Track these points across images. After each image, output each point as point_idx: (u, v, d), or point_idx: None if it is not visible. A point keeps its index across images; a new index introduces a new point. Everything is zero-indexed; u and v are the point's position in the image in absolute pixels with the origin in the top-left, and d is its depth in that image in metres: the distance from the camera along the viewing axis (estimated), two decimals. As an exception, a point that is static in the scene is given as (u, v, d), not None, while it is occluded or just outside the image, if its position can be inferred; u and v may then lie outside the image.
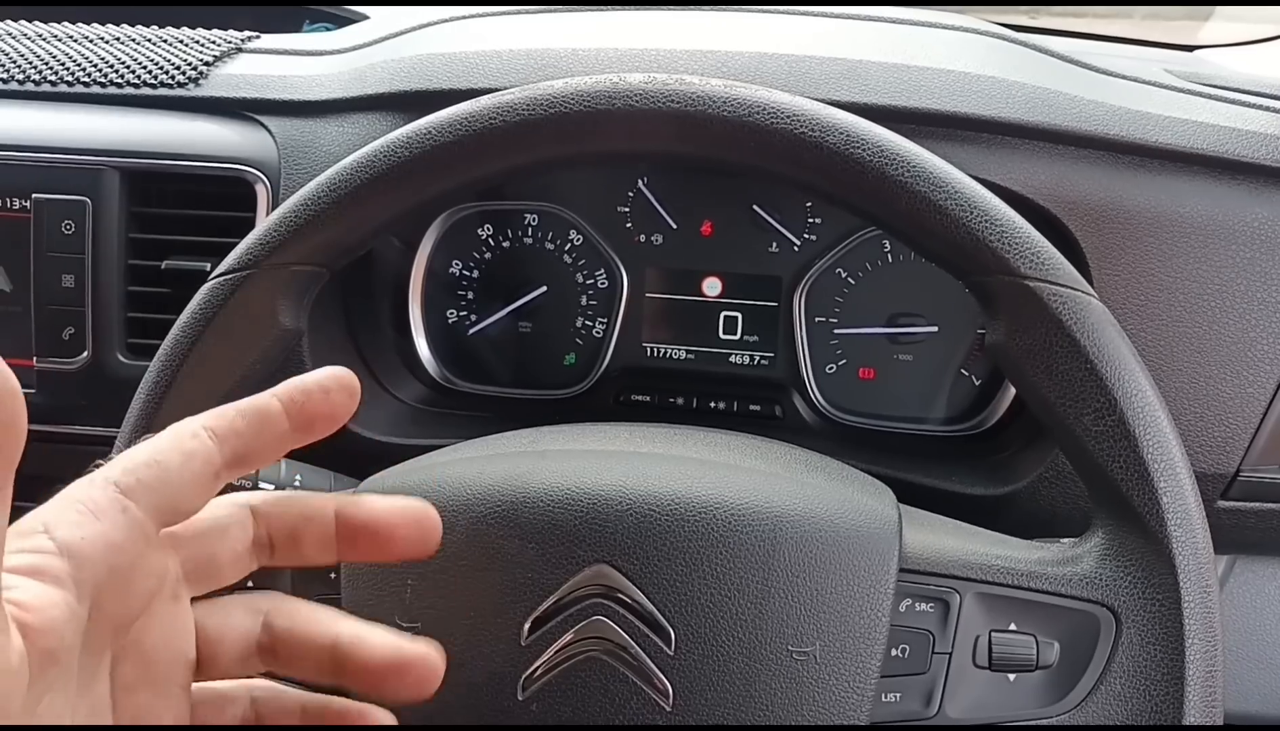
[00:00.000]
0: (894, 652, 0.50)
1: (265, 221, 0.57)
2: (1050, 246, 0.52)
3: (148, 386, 0.57)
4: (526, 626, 0.49)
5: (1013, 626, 0.50)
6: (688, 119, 0.54)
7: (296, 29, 1.07)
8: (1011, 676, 0.50)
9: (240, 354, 0.57)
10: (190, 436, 0.36)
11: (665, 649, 0.48)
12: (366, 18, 1.01)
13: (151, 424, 0.56)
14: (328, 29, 1.03)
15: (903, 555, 0.50)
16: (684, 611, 0.48)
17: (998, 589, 0.50)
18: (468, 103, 0.56)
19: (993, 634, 0.50)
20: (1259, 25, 1.14)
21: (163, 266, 0.80)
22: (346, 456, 0.60)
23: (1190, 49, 1.17)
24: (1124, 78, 0.80)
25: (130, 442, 0.54)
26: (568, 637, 0.48)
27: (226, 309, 0.56)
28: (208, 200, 0.80)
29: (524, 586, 0.49)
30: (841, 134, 0.53)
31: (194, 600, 0.38)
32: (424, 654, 0.38)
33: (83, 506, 0.33)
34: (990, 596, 0.50)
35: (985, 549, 0.52)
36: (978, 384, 0.87)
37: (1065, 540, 0.54)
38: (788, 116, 0.53)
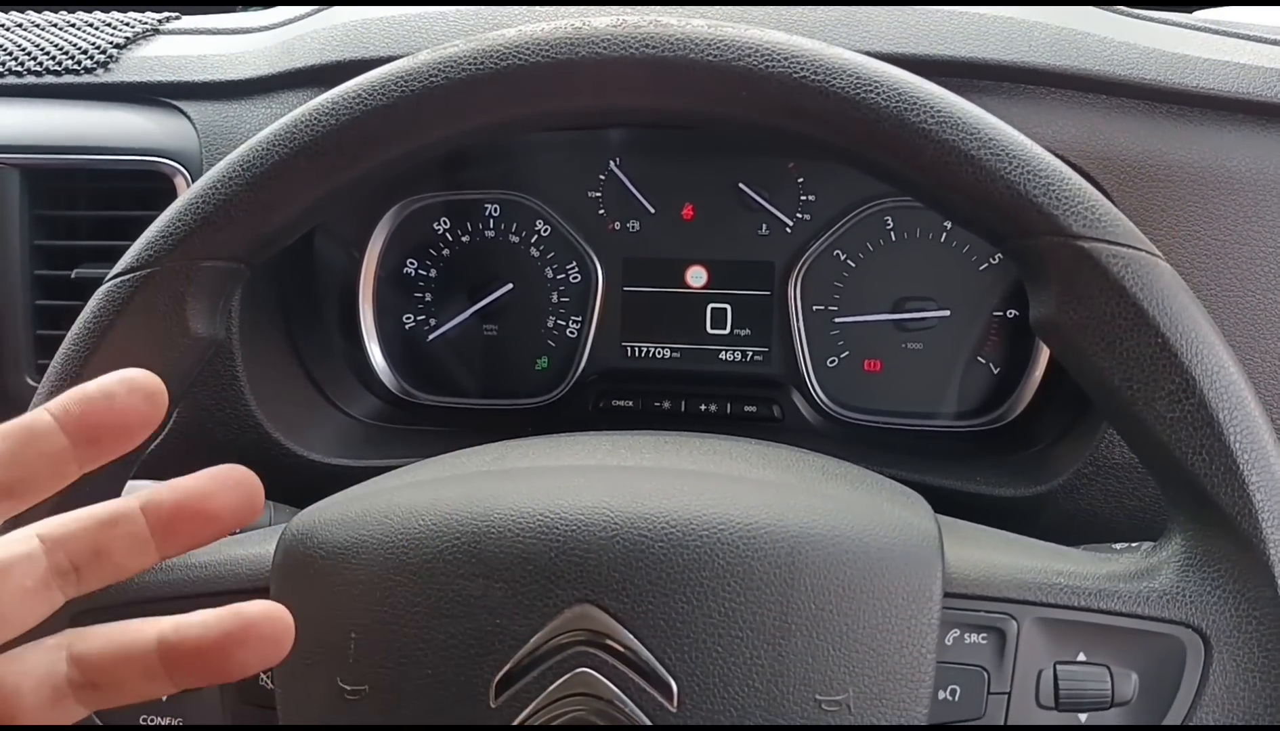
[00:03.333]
0: (942, 695, 0.46)
1: (167, 211, 0.52)
2: (1105, 200, 0.47)
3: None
4: (495, 684, 0.44)
5: (1081, 656, 0.47)
6: (666, 66, 0.49)
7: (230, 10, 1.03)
8: (1083, 716, 0.47)
9: (144, 367, 0.51)
10: None
11: (666, 705, 0.44)
12: None
13: None
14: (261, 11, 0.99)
15: (946, 577, 0.46)
16: (687, 658, 0.44)
17: (1061, 612, 0.47)
18: (403, 60, 0.51)
19: (1058, 666, 0.47)
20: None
21: (73, 275, 0.77)
22: (286, 483, 0.58)
23: (1189, 8, 1.15)
24: (1152, 20, 0.78)
25: None
26: (546, 696, 0.44)
27: (125, 315, 0.51)
28: (122, 198, 0.78)
29: (491, 636, 0.45)
30: (850, 76, 0.48)
31: None
32: (265, 608, 0.36)
33: None
34: (1053, 621, 0.47)
35: (1043, 564, 0.48)
36: (996, 372, 0.85)
37: (1130, 545, 0.52)
38: (785, 58, 0.48)
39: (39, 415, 0.35)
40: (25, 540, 0.36)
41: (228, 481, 0.37)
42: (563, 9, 0.80)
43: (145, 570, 0.39)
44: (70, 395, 0.35)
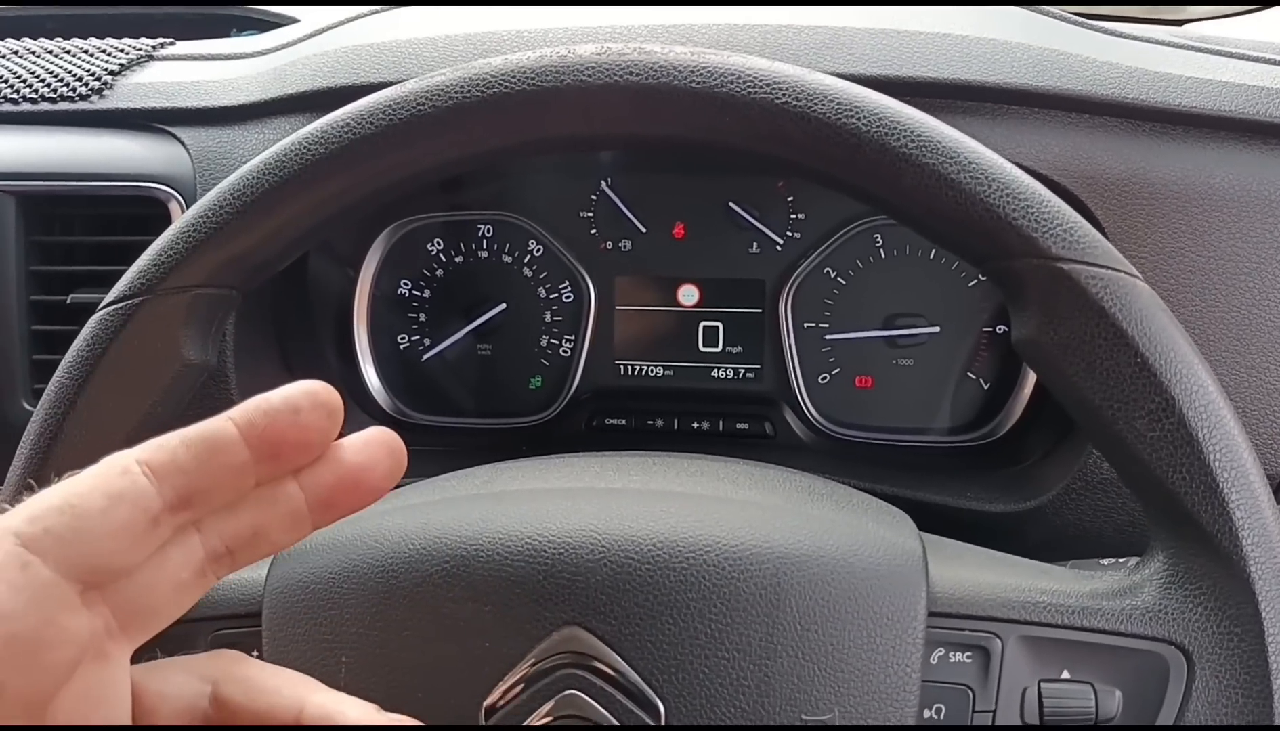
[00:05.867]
0: (927, 714, 0.46)
1: (159, 239, 0.52)
2: (1084, 222, 0.47)
3: (30, 439, 0.52)
4: (485, 706, 0.44)
5: (1065, 674, 0.46)
6: (650, 94, 0.49)
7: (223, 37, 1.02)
8: None
9: (137, 395, 0.52)
10: (119, 473, 0.31)
11: (653, 725, 0.44)
12: (297, 20, 0.96)
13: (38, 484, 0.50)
14: (255, 35, 0.98)
15: (931, 596, 0.46)
16: (674, 679, 0.44)
17: (1045, 630, 0.47)
18: (391, 89, 0.51)
19: (1042, 684, 0.46)
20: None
21: (68, 301, 0.76)
22: None
23: (1179, 23, 1.15)
24: (1135, 38, 0.77)
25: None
26: (535, 718, 0.44)
27: (118, 343, 0.51)
28: (116, 224, 0.78)
29: (480, 658, 0.45)
30: (831, 102, 0.48)
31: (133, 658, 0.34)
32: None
33: None
34: (1037, 639, 0.47)
35: (1027, 582, 0.48)
36: (986, 387, 0.85)
37: (1117, 561, 0.52)
38: (767, 85, 0.48)
39: (224, 426, 0.33)
40: (182, 530, 0.34)
41: (381, 450, 0.36)
42: (564, 9, 0.81)
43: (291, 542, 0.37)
44: (255, 407, 0.33)
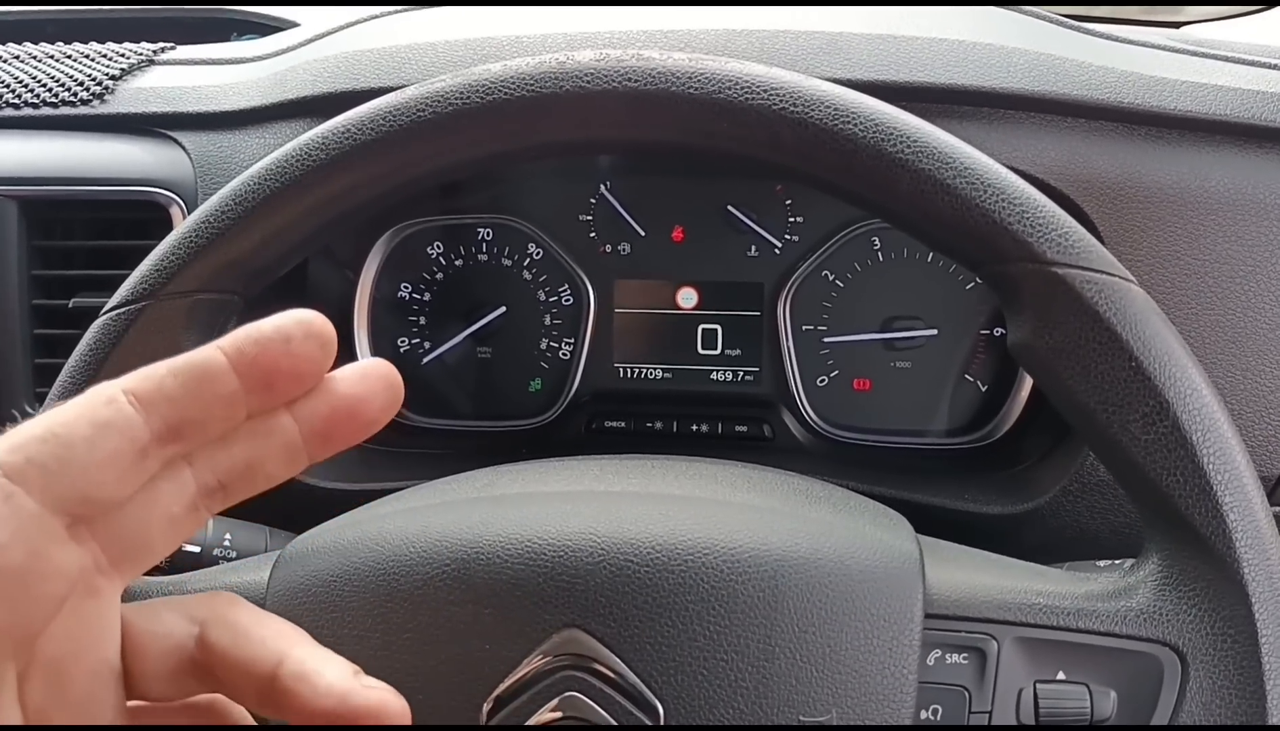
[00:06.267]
0: (924, 715, 0.46)
1: (161, 244, 0.53)
2: (1079, 227, 0.47)
3: None
4: (486, 708, 0.44)
5: (1061, 675, 0.46)
6: (647, 99, 0.49)
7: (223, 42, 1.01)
8: None
9: None
10: (104, 403, 0.30)
11: (652, 726, 0.44)
12: (297, 25, 0.96)
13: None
14: (256, 40, 0.98)
15: (928, 598, 0.46)
16: (672, 680, 0.44)
17: (1040, 631, 0.46)
18: (391, 95, 0.52)
19: (1038, 685, 0.46)
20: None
21: (70, 305, 0.76)
22: (283, 507, 0.56)
23: (1177, 25, 1.15)
24: (1131, 42, 0.77)
25: None
26: (535, 719, 0.44)
27: (121, 348, 0.51)
28: (118, 228, 0.77)
29: (481, 660, 0.45)
30: (828, 107, 0.48)
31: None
32: (379, 701, 0.33)
33: None
34: (1033, 641, 0.46)
35: (1023, 584, 0.48)
36: (984, 390, 0.84)
37: (1113, 563, 0.52)
38: (764, 91, 0.49)
39: (212, 354, 0.32)
40: (172, 463, 0.33)
41: (378, 382, 0.35)
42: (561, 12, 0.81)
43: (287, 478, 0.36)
44: (245, 335, 0.32)
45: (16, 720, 0.30)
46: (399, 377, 0.35)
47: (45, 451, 0.29)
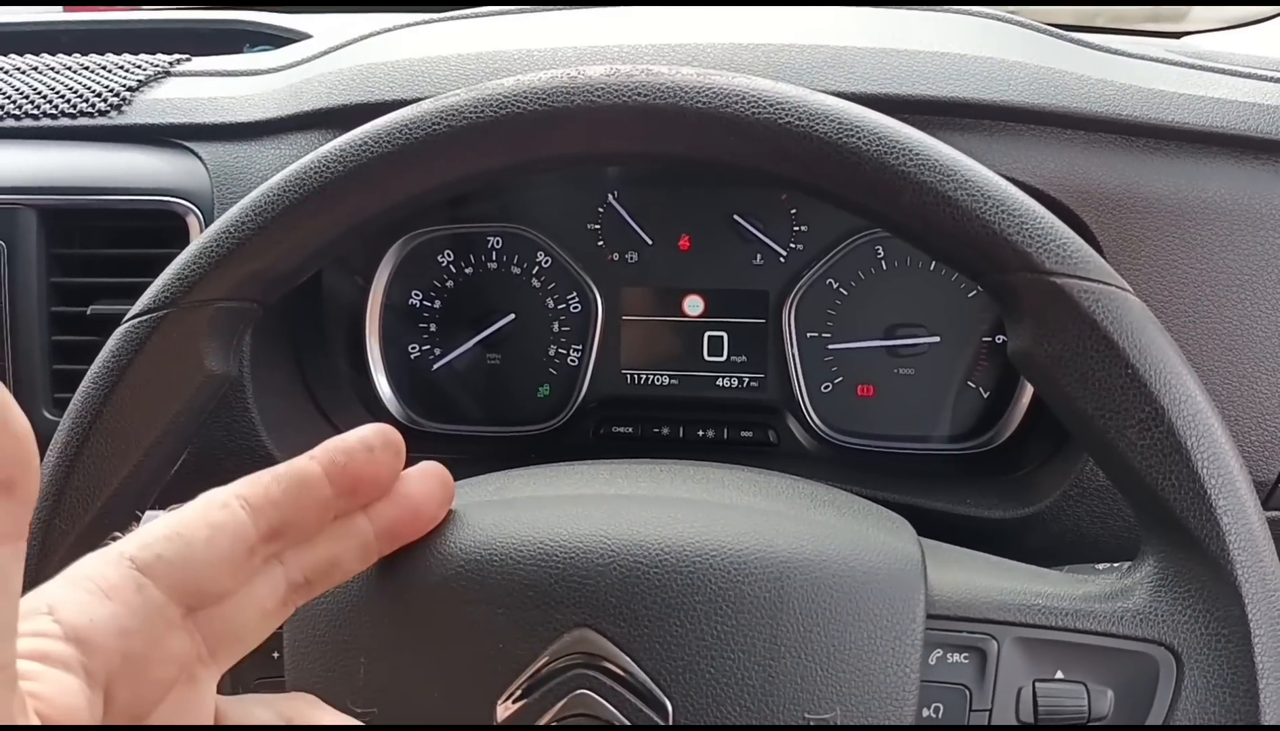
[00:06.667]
0: (926, 713, 0.46)
1: (183, 254, 0.53)
2: (1077, 238, 0.48)
3: (57, 449, 0.52)
4: (499, 706, 0.45)
5: (1059, 674, 0.47)
6: (657, 113, 0.50)
7: (236, 52, 1.02)
8: None
9: (161, 405, 0.52)
10: (219, 507, 0.34)
11: (661, 723, 0.44)
12: (309, 36, 0.96)
13: (64, 490, 0.52)
14: (269, 51, 0.98)
15: (929, 599, 0.46)
16: (681, 679, 0.44)
17: (1040, 632, 0.47)
18: (407, 109, 0.52)
19: (1037, 684, 0.47)
20: (1242, 8, 1.13)
21: (88, 312, 0.76)
22: None
23: (1178, 35, 1.15)
24: (1130, 55, 0.77)
25: (43, 515, 0.50)
26: (547, 716, 0.44)
27: (143, 355, 0.52)
28: (135, 237, 0.77)
29: (494, 659, 0.45)
30: (833, 121, 0.49)
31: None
32: None
33: (93, 585, 0.31)
34: (1032, 641, 0.47)
35: (1022, 586, 0.48)
36: (986, 396, 0.84)
37: (1111, 565, 0.51)
38: (770, 105, 0.49)
39: (307, 465, 0.36)
40: (267, 561, 0.36)
41: (436, 482, 0.40)
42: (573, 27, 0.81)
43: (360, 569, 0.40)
44: (334, 446, 0.37)
45: None
46: (450, 477, 0.41)
47: (171, 548, 0.32)
